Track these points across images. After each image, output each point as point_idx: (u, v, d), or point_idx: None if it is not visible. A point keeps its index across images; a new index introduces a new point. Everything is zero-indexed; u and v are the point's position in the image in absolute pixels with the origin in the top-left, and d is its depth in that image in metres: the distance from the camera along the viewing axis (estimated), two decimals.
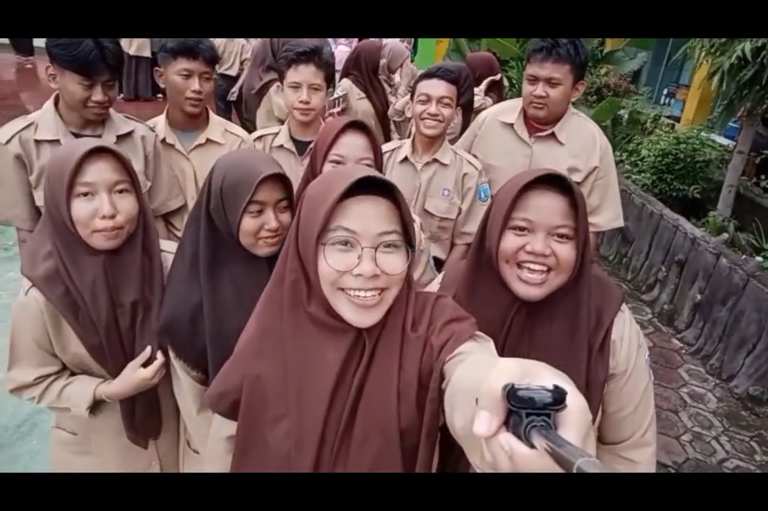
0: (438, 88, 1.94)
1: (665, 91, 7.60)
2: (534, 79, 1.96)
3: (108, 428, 1.36)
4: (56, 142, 1.71)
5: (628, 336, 1.11)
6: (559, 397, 0.49)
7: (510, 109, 2.15)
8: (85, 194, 1.15)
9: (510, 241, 1.03)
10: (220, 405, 0.95)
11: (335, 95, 3.27)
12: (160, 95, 8.07)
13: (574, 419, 0.49)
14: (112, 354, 1.26)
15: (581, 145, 2.04)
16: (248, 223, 1.14)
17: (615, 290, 1.15)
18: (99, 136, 1.73)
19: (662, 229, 3.84)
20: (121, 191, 1.19)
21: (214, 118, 2.04)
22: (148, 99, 8.04)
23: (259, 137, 2.03)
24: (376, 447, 0.84)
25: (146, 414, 1.35)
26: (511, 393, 0.49)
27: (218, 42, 5.55)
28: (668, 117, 6.43)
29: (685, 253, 3.56)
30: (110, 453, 1.39)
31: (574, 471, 0.40)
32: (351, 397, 0.85)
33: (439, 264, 1.99)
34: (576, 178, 2.00)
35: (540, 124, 2.06)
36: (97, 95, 1.65)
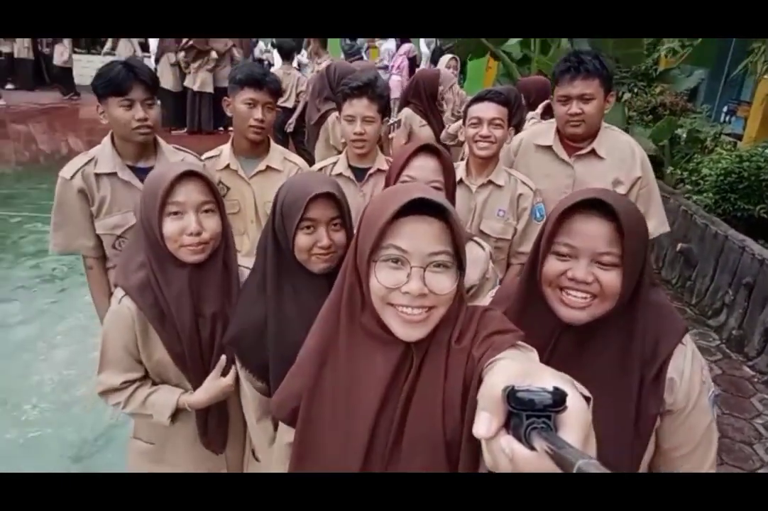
0: (488, 110, 2.01)
1: (725, 109, 7.40)
2: (566, 99, 2.03)
3: (183, 437, 1.45)
4: (114, 175, 1.89)
5: (689, 371, 1.05)
6: (559, 399, 0.49)
7: (544, 131, 2.21)
8: (176, 213, 1.28)
9: (552, 266, 1.03)
10: (281, 412, 1.00)
11: (391, 121, 3.38)
12: (221, 128, 8.48)
13: (575, 420, 0.49)
14: (193, 362, 1.36)
15: (621, 157, 2.09)
16: (302, 239, 1.22)
17: (677, 320, 1.09)
18: (151, 167, 1.88)
19: (728, 251, 3.71)
20: (206, 211, 1.32)
21: (275, 147, 2.17)
22: (210, 132, 8.46)
23: (320, 169, 2.15)
24: (422, 459, 0.86)
25: (218, 423, 1.43)
26: (511, 395, 0.49)
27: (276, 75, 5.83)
28: (729, 135, 6.25)
29: (754, 275, 3.42)
30: (184, 462, 1.47)
31: (574, 472, 0.41)
32: (399, 409, 0.87)
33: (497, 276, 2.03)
34: (620, 190, 2.05)
35: (577, 141, 2.11)
36: (139, 113, 1.82)
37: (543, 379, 0.53)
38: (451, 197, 1.57)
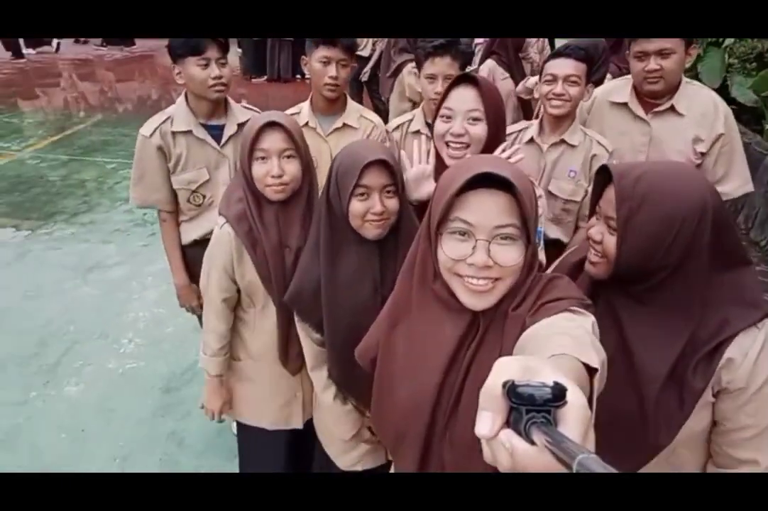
0: (565, 67, 1.93)
1: None
2: (643, 55, 1.93)
3: (266, 356, 1.66)
4: (189, 132, 2.01)
5: (755, 354, 1.03)
6: (559, 393, 0.49)
7: (620, 87, 2.11)
8: (262, 158, 1.47)
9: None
10: (362, 360, 1.09)
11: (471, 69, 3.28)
12: (299, 76, 8.51)
13: (575, 415, 0.49)
14: (278, 284, 1.54)
15: (702, 113, 2.00)
16: (356, 206, 1.27)
17: (756, 305, 1.06)
18: (223, 125, 2.04)
19: None
20: (288, 157, 1.49)
21: (352, 104, 2.20)
22: (288, 80, 8.51)
23: (396, 127, 2.15)
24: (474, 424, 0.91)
25: (297, 347, 1.58)
26: (511, 390, 0.49)
27: None
28: None
29: None
30: (265, 379, 1.69)
31: (574, 467, 0.41)
32: (461, 373, 0.91)
33: (561, 247, 2.01)
34: (700, 148, 1.99)
35: (655, 98, 2.02)
36: (215, 71, 1.92)
37: (543, 374, 0.53)
38: (498, 130, 1.53)
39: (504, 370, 0.54)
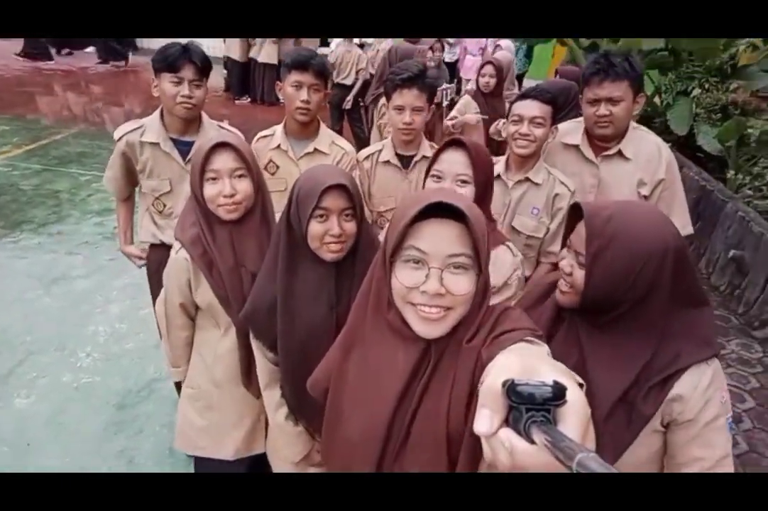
0: (531, 108, 2.01)
1: None
2: (595, 101, 2.04)
3: (230, 380, 1.65)
4: (156, 144, 2.08)
5: (704, 388, 1.09)
6: (558, 392, 0.49)
7: (572, 130, 2.22)
8: (213, 179, 1.50)
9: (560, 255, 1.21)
10: (315, 391, 1.09)
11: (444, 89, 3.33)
12: (282, 100, 8.61)
13: (574, 414, 0.49)
14: (236, 304, 1.55)
15: (647, 158, 2.11)
16: (314, 227, 1.30)
17: (708, 343, 1.13)
18: (194, 141, 2.10)
19: None
20: (239, 176, 1.52)
21: (324, 130, 2.26)
22: (272, 103, 8.59)
23: (367, 157, 2.22)
24: (424, 455, 0.90)
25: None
26: (510, 389, 0.50)
27: (337, 53, 5.88)
28: None
29: None
30: (229, 406, 1.68)
31: (574, 466, 0.41)
32: (413, 404, 0.92)
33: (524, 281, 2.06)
34: (644, 191, 2.10)
35: (605, 142, 2.13)
36: (185, 90, 1.98)
37: (543, 373, 0.53)
38: (485, 191, 1.58)
39: (504, 369, 0.55)
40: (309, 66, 2.04)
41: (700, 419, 1.09)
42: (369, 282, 1.01)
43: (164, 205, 2.16)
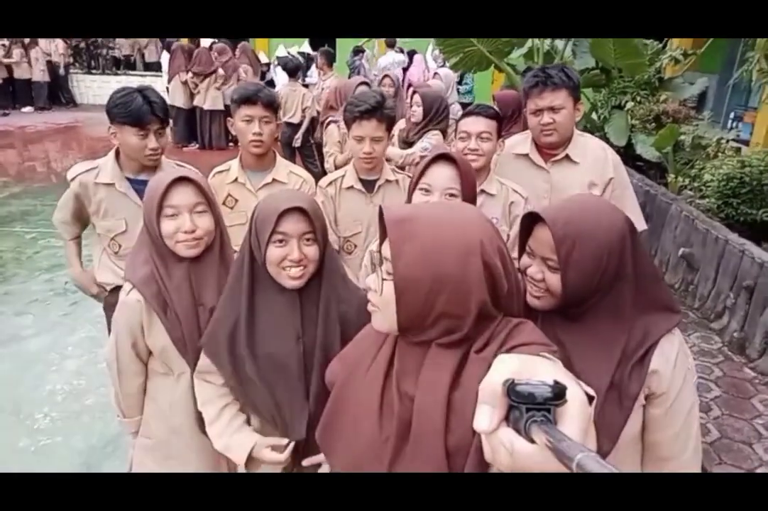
0: (476, 124, 2.07)
1: (732, 115, 7.40)
2: (537, 111, 2.12)
3: (186, 427, 1.54)
4: (111, 185, 2.05)
5: (674, 359, 1.15)
6: (558, 392, 0.49)
7: (521, 141, 2.31)
8: (172, 215, 1.42)
9: (522, 259, 1.22)
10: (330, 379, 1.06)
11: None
12: (231, 144, 8.64)
13: (574, 414, 0.49)
14: (192, 346, 1.46)
15: (594, 160, 2.20)
16: (273, 252, 1.26)
17: (669, 313, 1.18)
18: (148, 180, 2.02)
19: (728, 255, 3.72)
20: (200, 212, 1.45)
21: (281, 161, 2.27)
22: (221, 148, 8.61)
23: (330, 183, 2.22)
24: (427, 460, 0.85)
25: None
26: (511, 388, 0.50)
27: (281, 94, 5.97)
28: (738, 141, 6.25)
29: (754, 278, 3.42)
30: (190, 454, 1.56)
31: (574, 466, 0.41)
32: (402, 409, 0.88)
33: None
34: (596, 191, 2.16)
35: (551, 149, 2.21)
36: (152, 143, 1.97)
37: (543, 372, 0.53)
38: (472, 203, 1.60)
39: (504, 367, 0.54)
40: (257, 99, 2.06)
41: (672, 391, 1.14)
42: None
43: (119, 246, 2.10)
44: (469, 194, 1.59)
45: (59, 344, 3.44)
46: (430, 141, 3.09)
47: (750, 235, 3.90)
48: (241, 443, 1.37)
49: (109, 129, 2.01)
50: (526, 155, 2.26)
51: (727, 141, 5.54)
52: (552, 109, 2.09)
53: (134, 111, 1.91)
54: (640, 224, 2.23)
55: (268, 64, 10.26)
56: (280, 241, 1.26)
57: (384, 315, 0.89)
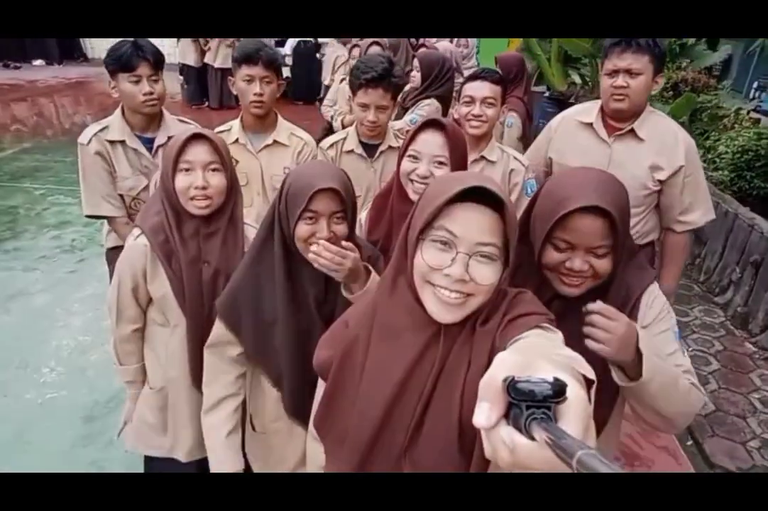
0: (481, 89, 2.03)
1: (755, 85, 7.17)
2: (614, 72, 1.96)
3: (180, 378, 1.59)
4: (123, 142, 2.06)
5: (651, 301, 1.19)
6: (559, 389, 0.49)
7: (588, 109, 2.16)
8: (186, 170, 1.45)
9: (551, 256, 1.13)
10: (324, 366, 1.01)
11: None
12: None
13: (575, 411, 0.49)
14: (191, 299, 1.50)
15: (662, 141, 2.02)
16: (302, 229, 1.26)
17: (647, 271, 1.23)
18: (154, 138, 2.09)
19: (737, 229, 3.67)
20: (213, 170, 1.47)
21: (282, 123, 2.23)
22: (232, 107, 8.49)
23: (331, 145, 2.19)
24: (440, 442, 0.87)
25: None
26: (511, 385, 0.49)
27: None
28: (759, 112, 6.07)
29: (762, 253, 3.39)
30: (183, 405, 1.62)
31: (574, 463, 0.41)
32: (426, 391, 0.88)
33: None
34: (659, 176, 2.01)
35: (619, 121, 2.05)
36: (145, 87, 1.98)
37: (544, 370, 0.53)
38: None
39: (505, 364, 0.54)
40: (258, 58, 2.02)
41: (646, 321, 1.16)
42: (391, 262, 0.97)
43: (144, 203, 2.10)
44: (459, 163, 1.55)
45: (65, 301, 3.49)
46: (420, 113, 2.96)
47: (762, 210, 3.84)
48: (224, 460, 1.44)
49: (109, 84, 2.04)
50: (590, 125, 2.10)
51: (748, 112, 5.39)
52: (629, 72, 1.92)
53: (123, 56, 1.95)
54: (710, 215, 2.14)
55: None
56: (311, 218, 1.26)
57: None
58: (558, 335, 0.84)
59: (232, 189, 1.53)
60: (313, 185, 1.23)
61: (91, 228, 4.38)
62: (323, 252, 1.23)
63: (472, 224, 0.84)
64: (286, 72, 8.81)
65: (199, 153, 1.45)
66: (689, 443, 2.64)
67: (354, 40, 4.52)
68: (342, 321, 1.05)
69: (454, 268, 0.83)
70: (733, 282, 3.65)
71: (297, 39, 8.50)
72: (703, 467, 2.49)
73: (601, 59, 2.17)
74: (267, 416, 1.47)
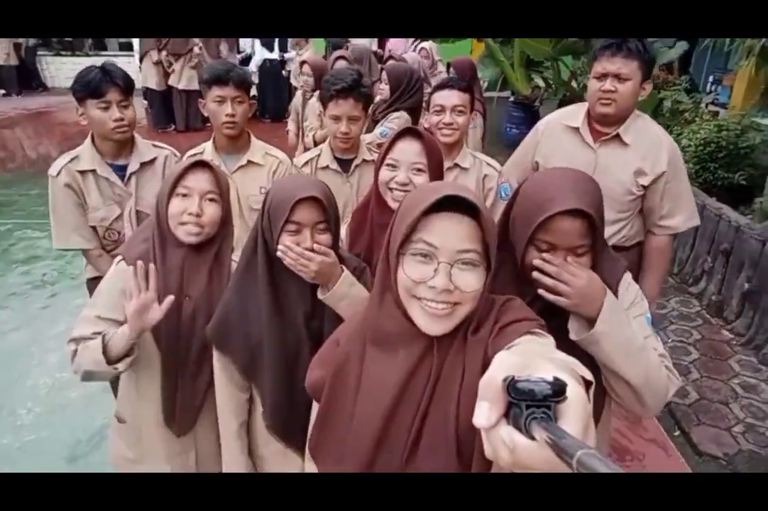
0: (451, 98, 2.05)
1: (711, 79, 7.35)
2: (602, 76, 1.94)
3: (152, 416, 1.52)
4: (93, 171, 2.01)
5: (625, 289, 1.22)
6: (558, 389, 0.49)
7: (575, 112, 2.15)
8: (183, 195, 1.42)
9: (533, 256, 1.12)
10: (317, 387, 1.00)
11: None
12: (209, 124, 8.47)
13: (574, 411, 0.49)
14: (168, 335, 1.44)
15: (647, 147, 2.01)
16: (286, 241, 1.25)
17: (619, 262, 1.26)
18: (127, 165, 2.04)
19: (706, 220, 3.73)
20: (210, 199, 1.44)
21: (256, 143, 2.22)
22: (198, 129, 8.44)
23: (306, 162, 2.19)
24: (437, 457, 0.87)
25: (183, 406, 1.49)
26: (511, 385, 0.50)
27: None
28: (716, 105, 6.22)
29: (730, 242, 3.46)
30: (155, 441, 1.54)
31: (574, 463, 0.41)
32: (423, 404, 0.88)
33: None
34: (643, 181, 2.01)
35: (605, 125, 2.04)
36: (115, 114, 1.94)
37: (543, 369, 0.53)
38: (438, 180, 1.57)
39: (504, 364, 0.54)
40: (228, 79, 2.01)
41: (631, 313, 1.18)
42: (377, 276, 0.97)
43: (118, 233, 2.08)
44: (436, 169, 1.57)
45: (40, 338, 3.41)
46: (390, 125, 2.99)
47: (727, 200, 3.92)
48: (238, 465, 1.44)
49: (77, 111, 2.00)
50: (576, 129, 2.09)
51: (707, 105, 5.52)
52: (618, 76, 1.91)
53: (92, 82, 1.91)
54: (695, 220, 2.13)
55: None
56: (294, 229, 1.26)
57: (464, 309, 0.87)
58: (550, 340, 0.85)
59: (225, 223, 1.50)
60: (294, 195, 1.23)
61: (61, 261, 4.30)
62: (288, 253, 1.24)
63: (451, 233, 0.84)
64: (252, 90, 8.85)
65: (199, 180, 1.43)
66: (677, 433, 2.66)
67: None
68: (333, 340, 1.04)
69: (437, 279, 0.84)
70: (706, 271, 3.72)
71: (262, 57, 8.50)
72: (692, 456, 2.52)
73: (588, 61, 2.17)
74: (260, 437, 1.45)
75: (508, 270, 1.18)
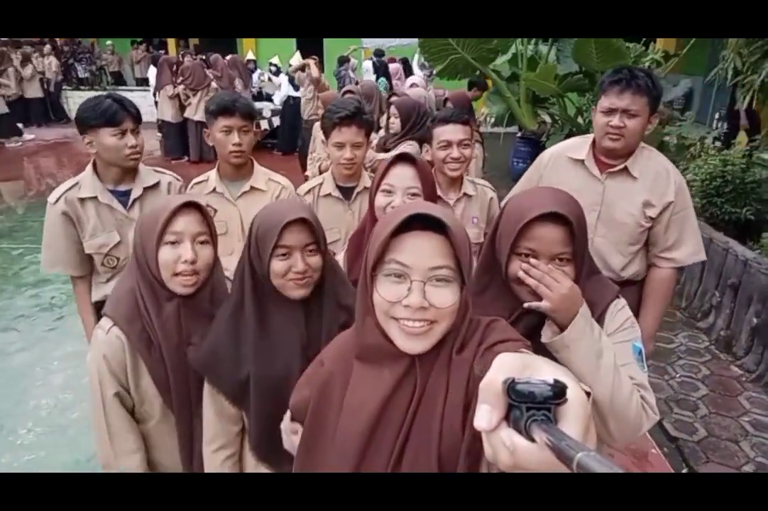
0: (455, 132, 2.07)
1: (717, 115, 7.46)
2: (610, 111, 1.92)
3: (168, 465, 1.48)
4: (95, 198, 2.02)
5: (614, 313, 1.25)
6: (559, 391, 0.49)
7: (578, 145, 2.13)
8: (173, 242, 1.32)
9: (517, 267, 1.17)
10: (301, 409, 1.01)
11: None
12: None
13: (575, 413, 0.49)
14: (177, 390, 1.37)
15: (654, 179, 1.99)
16: (277, 265, 1.22)
17: (608, 287, 1.29)
18: (130, 190, 2.05)
19: (713, 254, 3.72)
20: (202, 242, 1.36)
21: (259, 169, 2.25)
22: (210, 160, 8.59)
23: (308, 191, 2.23)
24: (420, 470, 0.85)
25: (200, 452, 1.42)
26: (511, 387, 0.49)
27: None
28: (722, 140, 6.28)
29: (738, 276, 3.44)
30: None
31: (574, 465, 0.41)
32: (406, 423, 0.87)
33: None
34: (650, 213, 1.98)
35: (611, 158, 2.02)
36: (130, 141, 1.97)
37: (543, 371, 0.53)
38: (432, 201, 1.61)
39: (504, 366, 0.54)
40: (235, 109, 2.05)
41: (616, 338, 1.20)
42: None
43: (117, 260, 2.07)
44: (430, 193, 1.60)
45: (45, 359, 3.42)
46: (409, 150, 3.11)
47: (734, 234, 3.92)
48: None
49: (84, 139, 2.00)
50: (582, 162, 2.07)
51: (713, 141, 5.58)
52: (627, 112, 1.89)
53: (107, 110, 1.93)
54: (700, 255, 2.07)
55: (254, 61, 10.47)
56: (284, 253, 1.23)
57: (441, 327, 0.87)
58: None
59: (215, 264, 1.42)
60: (282, 219, 1.21)
61: (69, 285, 4.26)
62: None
63: (422, 251, 0.85)
64: (269, 123, 9.10)
65: (189, 223, 1.32)
66: (684, 470, 2.59)
67: None
68: (317, 361, 1.04)
69: (411, 297, 0.84)
70: (714, 306, 3.68)
71: (287, 93, 8.77)
72: None
73: (595, 94, 2.18)
74: (248, 461, 1.42)
75: (497, 287, 1.22)
